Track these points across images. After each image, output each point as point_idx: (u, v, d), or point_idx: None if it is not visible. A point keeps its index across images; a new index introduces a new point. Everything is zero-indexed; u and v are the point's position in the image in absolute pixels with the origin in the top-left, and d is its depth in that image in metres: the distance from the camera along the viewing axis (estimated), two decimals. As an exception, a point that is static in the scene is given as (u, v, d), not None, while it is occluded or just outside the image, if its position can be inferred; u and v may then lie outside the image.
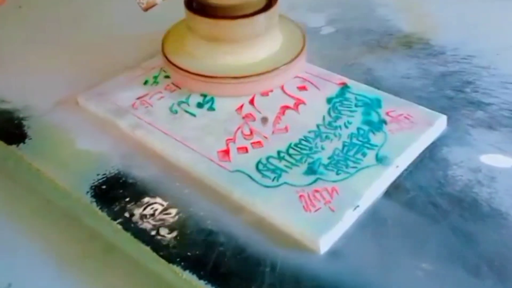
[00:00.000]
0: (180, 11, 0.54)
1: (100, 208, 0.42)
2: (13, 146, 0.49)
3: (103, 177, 0.45)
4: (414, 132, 0.46)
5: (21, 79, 0.58)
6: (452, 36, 0.61)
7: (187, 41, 0.54)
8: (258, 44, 0.52)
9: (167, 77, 0.56)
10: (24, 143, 0.49)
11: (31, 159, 0.47)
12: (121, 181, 0.45)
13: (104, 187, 0.44)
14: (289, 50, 0.53)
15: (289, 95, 0.52)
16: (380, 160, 0.44)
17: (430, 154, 0.46)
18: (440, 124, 0.48)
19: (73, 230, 0.44)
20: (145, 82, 0.55)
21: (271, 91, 0.53)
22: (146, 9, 0.48)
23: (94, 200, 0.43)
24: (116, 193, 0.44)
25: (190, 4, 0.53)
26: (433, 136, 0.47)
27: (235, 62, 0.52)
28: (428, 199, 0.42)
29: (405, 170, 0.44)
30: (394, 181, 0.43)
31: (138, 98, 0.53)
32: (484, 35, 0.61)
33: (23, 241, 0.43)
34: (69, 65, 0.60)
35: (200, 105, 0.52)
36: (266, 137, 0.48)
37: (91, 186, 0.44)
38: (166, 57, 0.54)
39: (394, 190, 0.43)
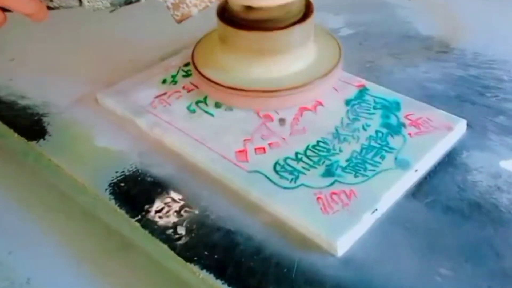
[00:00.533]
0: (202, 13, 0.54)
1: (119, 206, 0.43)
2: (33, 142, 0.50)
3: (122, 175, 0.46)
4: (434, 136, 0.46)
5: (41, 76, 0.59)
6: (473, 39, 0.60)
7: (219, 52, 0.52)
8: (292, 57, 0.50)
9: (185, 76, 0.56)
10: (44, 139, 0.50)
11: (51, 155, 0.48)
12: (139, 179, 0.45)
13: (122, 184, 0.45)
14: (324, 63, 0.51)
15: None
16: (399, 163, 0.44)
17: (450, 158, 0.45)
18: (460, 128, 0.48)
19: (91, 226, 0.45)
20: (164, 81, 0.55)
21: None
22: (180, 21, 0.46)
23: (112, 197, 0.44)
24: (134, 190, 0.44)
25: (222, 14, 0.51)
26: (453, 140, 0.47)
27: (268, 75, 0.49)
28: (447, 204, 0.42)
29: (424, 174, 0.44)
30: (413, 185, 0.43)
31: (156, 97, 0.53)
32: (505, 39, 0.60)
33: (41, 236, 0.44)
34: (89, 62, 0.60)
35: (218, 105, 0.52)
36: (284, 138, 0.48)
37: (110, 183, 0.45)
38: (197, 70, 0.51)
39: (412, 194, 0.42)
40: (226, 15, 0.51)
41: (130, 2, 0.44)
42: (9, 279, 0.38)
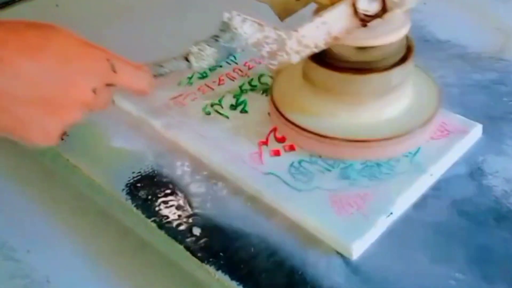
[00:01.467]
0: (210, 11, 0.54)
1: (135, 206, 0.43)
2: (51, 142, 0.50)
3: (138, 175, 0.46)
4: (449, 140, 0.46)
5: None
6: (489, 43, 0.60)
7: (303, 93, 0.47)
8: (387, 101, 0.45)
9: (200, 78, 0.56)
10: (61, 139, 0.50)
11: (68, 156, 0.49)
12: (155, 179, 0.46)
13: (139, 185, 0.45)
14: (422, 108, 0.46)
15: (321, 99, 0.52)
16: (414, 167, 0.44)
17: (465, 163, 0.45)
18: (475, 132, 0.47)
19: (107, 226, 0.45)
20: (179, 83, 0.56)
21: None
22: (275, 72, 0.43)
23: (129, 197, 0.44)
24: (150, 191, 0.45)
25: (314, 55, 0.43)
26: (468, 144, 0.47)
27: (359, 121, 0.45)
28: (462, 209, 0.42)
29: (439, 178, 0.44)
30: (428, 189, 0.43)
31: (171, 99, 0.54)
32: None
33: (58, 236, 0.44)
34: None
35: (233, 107, 0.52)
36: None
37: (126, 184, 0.45)
38: (279, 111, 0.47)
39: (427, 198, 0.42)
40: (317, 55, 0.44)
41: (230, 55, 0.43)
42: (29, 277, 0.39)
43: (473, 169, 0.45)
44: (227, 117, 0.51)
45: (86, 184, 0.47)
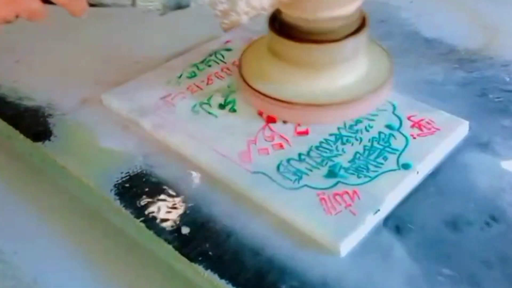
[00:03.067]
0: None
1: (124, 206, 0.43)
2: (39, 143, 0.50)
3: (127, 176, 0.46)
4: (436, 138, 0.46)
5: (47, 77, 0.59)
6: (475, 41, 0.60)
7: (266, 62, 0.51)
8: (343, 70, 0.48)
9: (189, 77, 0.56)
10: (49, 140, 0.50)
11: (56, 156, 0.48)
12: (144, 179, 0.46)
13: (127, 185, 0.45)
14: (375, 76, 0.50)
15: (310, 98, 0.52)
16: (402, 165, 0.44)
17: (452, 160, 0.46)
18: (462, 130, 0.48)
19: (96, 226, 0.45)
20: (168, 82, 0.56)
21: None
22: (227, 30, 0.45)
23: (117, 198, 0.44)
24: (139, 191, 0.45)
25: (274, 23, 0.49)
26: (455, 142, 0.47)
27: (317, 88, 0.48)
28: (449, 205, 0.42)
29: (427, 175, 0.44)
30: (416, 186, 0.43)
31: (161, 98, 0.54)
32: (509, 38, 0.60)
33: (46, 236, 0.44)
34: (93, 64, 0.61)
35: (221, 106, 0.52)
36: (287, 140, 0.48)
37: (115, 184, 0.45)
38: (244, 79, 0.51)
39: (415, 195, 0.43)
40: (277, 24, 0.49)
41: (180, 7, 0.43)
42: (16, 278, 0.39)
43: (460, 166, 0.45)
44: (216, 116, 0.51)
45: (74, 184, 0.47)
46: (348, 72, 0.49)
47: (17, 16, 0.38)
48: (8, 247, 0.42)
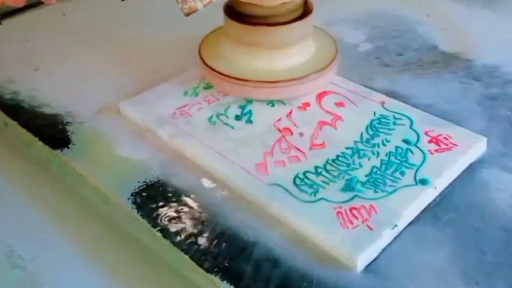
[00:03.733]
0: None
1: (141, 215, 0.43)
2: (58, 151, 0.51)
3: (143, 185, 0.46)
4: (454, 154, 0.46)
5: (65, 86, 0.60)
6: (493, 55, 0.60)
7: (224, 45, 0.56)
8: (292, 51, 0.54)
9: (206, 88, 0.57)
10: (68, 148, 0.51)
11: (75, 164, 0.49)
12: (160, 189, 0.46)
13: (144, 194, 0.45)
14: (321, 59, 0.55)
15: (326, 111, 0.53)
16: (419, 180, 0.44)
17: (469, 176, 0.46)
18: (480, 146, 0.48)
19: (113, 235, 0.45)
20: (185, 93, 0.56)
21: (308, 105, 0.54)
22: (187, 15, 0.49)
23: (134, 206, 0.44)
24: (156, 201, 0.45)
25: (229, 10, 0.55)
26: (473, 158, 0.47)
27: (268, 67, 0.53)
28: (467, 222, 0.42)
29: (444, 191, 0.44)
30: (433, 202, 0.43)
31: (178, 108, 0.54)
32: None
33: (66, 244, 0.44)
34: (111, 73, 0.61)
35: (238, 118, 0.52)
36: (303, 152, 0.48)
37: (132, 193, 0.45)
38: (203, 59, 0.55)
39: (432, 211, 0.43)
40: (231, 10, 0.55)
41: None
42: (36, 286, 0.39)
43: (477, 183, 0.45)
44: (233, 127, 0.51)
45: (91, 192, 0.47)
46: (295, 54, 0.54)
47: (2, 3, 0.42)
48: (28, 254, 0.43)
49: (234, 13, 0.54)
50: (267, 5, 0.52)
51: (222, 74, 0.53)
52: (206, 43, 0.58)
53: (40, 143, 0.52)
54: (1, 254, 0.42)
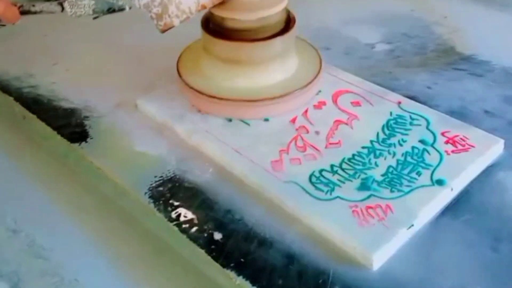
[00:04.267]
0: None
1: (158, 209, 0.44)
2: (76, 145, 0.51)
3: (160, 180, 0.47)
4: (471, 155, 0.46)
5: (83, 80, 0.61)
6: (511, 57, 0.60)
7: (202, 61, 0.53)
8: (273, 67, 0.51)
9: (222, 85, 0.57)
10: (86, 142, 0.52)
11: (92, 158, 0.49)
12: (177, 184, 0.46)
13: (161, 189, 0.46)
14: (305, 74, 0.52)
15: (342, 110, 0.53)
16: (436, 181, 0.44)
17: (486, 178, 0.45)
18: (497, 148, 0.47)
19: (129, 228, 0.46)
20: (202, 90, 0.56)
21: (324, 104, 0.54)
22: (163, 31, 0.48)
23: (151, 201, 0.45)
24: (172, 195, 0.45)
25: (206, 24, 0.53)
26: (489, 159, 0.47)
27: (250, 85, 0.51)
28: (483, 223, 0.42)
29: (460, 192, 0.44)
30: (449, 203, 0.43)
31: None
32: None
33: (84, 237, 0.45)
34: (129, 69, 0.62)
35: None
36: (319, 150, 0.48)
37: (149, 188, 0.46)
38: (181, 77, 0.53)
39: (448, 212, 0.43)
40: (210, 25, 0.53)
41: (113, 11, 0.47)
42: (58, 276, 0.40)
43: (494, 184, 0.45)
44: (249, 125, 0.52)
45: (109, 186, 0.48)
46: (277, 70, 0.52)
47: None
48: (49, 245, 0.43)
49: (212, 26, 0.52)
50: (245, 19, 0.49)
51: (200, 92, 0.51)
52: (184, 57, 0.56)
53: (59, 136, 0.53)
54: (23, 244, 0.43)
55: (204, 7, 0.49)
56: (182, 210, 0.44)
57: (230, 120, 0.52)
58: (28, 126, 0.57)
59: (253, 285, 0.38)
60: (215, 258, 0.40)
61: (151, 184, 0.46)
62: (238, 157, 0.48)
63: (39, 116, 0.55)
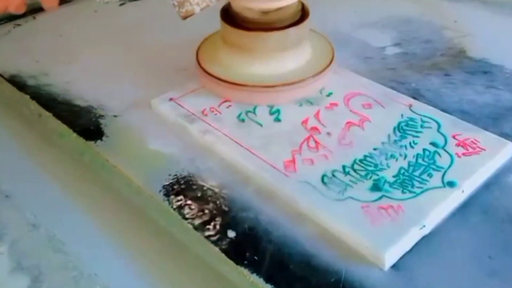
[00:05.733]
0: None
1: (172, 207, 0.45)
2: (91, 142, 0.52)
3: (174, 178, 0.48)
4: (481, 158, 0.47)
5: (98, 79, 0.62)
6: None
7: (221, 50, 0.57)
8: (288, 56, 0.54)
9: (235, 86, 0.58)
10: (101, 140, 0.52)
11: (108, 156, 0.50)
12: (190, 182, 0.47)
13: (175, 187, 0.47)
14: (317, 63, 0.56)
15: (353, 112, 0.53)
16: (447, 182, 0.44)
17: (496, 180, 0.46)
18: (507, 151, 0.48)
19: (144, 225, 0.46)
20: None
21: (336, 105, 0.54)
22: (184, 18, 0.50)
23: (166, 198, 0.45)
24: (186, 194, 0.46)
25: (225, 15, 0.56)
26: (500, 162, 0.47)
27: (265, 72, 0.54)
28: (494, 225, 0.42)
29: (471, 194, 0.44)
30: (460, 205, 0.44)
31: (207, 105, 0.55)
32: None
33: (100, 233, 0.46)
34: (144, 69, 0.63)
35: (267, 116, 0.53)
36: (331, 151, 0.49)
37: (163, 185, 0.47)
38: (200, 64, 0.56)
39: (459, 214, 0.43)
40: (228, 15, 0.55)
41: None
42: (77, 269, 0.40)
43: (504, 187, 0.45)
44: (261, 125, 0.52)
45: (124, 184, 0.49)
46: (292, 58, 0.55)
47: (4, 10, 0.44)
48: (68, 239, 0.44)
49: (230, 17, 0.55)
50: (264, 10, 0.52)
51: (217, 78, 0.54)
52: (204, 46, 0.59)
53: (74, 134, 0.53)
54: (43, 238, 0.44)
55: None
56: (195, 208, 0.44)
57: (243, 120, 0.53)
58: (44, 124, 0.58)
59: (267, 282, 0.39)
60: (229, 256, 0.41)
61: (165, 182, 0.47)
62: (251, 157, 0.49)
63: (55, 114, 0.56)
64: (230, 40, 0.55)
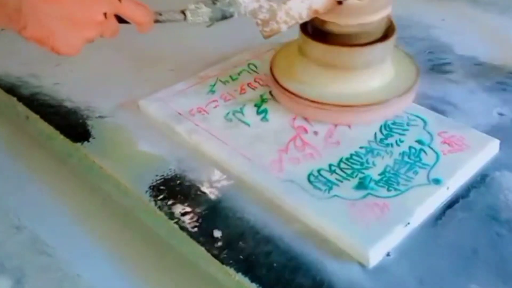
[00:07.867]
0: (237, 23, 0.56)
1: (158, 207, 0.45)
2: (78, 144, 0.52)
3: (161, 178, 0.48)
4: (466, 155, 0.47)
5: (86, 81, 0.62)
6: (509, 59, 0.61)
7: (298, 64, 0.53)
8: (371, 74, 0.51)
9: (222, 85, 0.58)
10: (88, 141, 0.52)
11: (95, 157, 0.50)
12: (178, 182, 0.47)
13: (162, 187, 0.47)
14: (400, 83, 0.52)
15: (341, 111, 0.53)
16: (432, 180, 0.44)
17: (482, 177, 0.46)
18: (492, 148, 0.48)
19: (130, 226, 0.47)
20: (202, 91, 0.57)
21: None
22: (268, 37, 0.48)
23: (152, 199, 0.45)
24: (173, 194, 0.46)
25: (305, 27, 0.52)
26: (485, 159, 0.48)
27: (346, 90, 0.50)
28: (478, 222, 0.42)
29: (456, 191, 0.45)
30: (445, 202, 0.44)
31: (195, 106, 0.55)
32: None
33: (85, 234, 0.46)
34: (131, 70, 0.63)
35: (254, 116, 0.53)
36: (317, 150, 0.49)
37: (150, 186, 0.47)
38: (276, 80, 0.53)
39: (444, 211, 0.43)
40: (308, 28, 0.52)
41: (225, 18, 0.47)
42: (61, 271, 0.40)
43: (490, 184, 0.46)
44: (248, 125, 0.53)
45: (111, 185, 0.49)
46: (375, 76, 0.51)
47: (100, 36, 0.44)
48: (52, 241, 0.44)
49: (310, 29, 0.51)
50: (346, 24, 0.49)
51: (296, 95, 0.51)
52: (278, 60, 0.55)
53: (61, 136, 0.53)
54: (27, 240, 0.43)
55: (317, 12, 0.48)
56: (182, 208, 0.45)
57: (230, 120, 0.53)
58: (31, 126, 0.58)
59: (252, 281, 0.39)
60: (215, 255, 0.41)
61: (152, 183, 0.47)
62: (238, 156, 0.49)
63: (42, 116, 0.56)
64: (309, 53, 0.52)
